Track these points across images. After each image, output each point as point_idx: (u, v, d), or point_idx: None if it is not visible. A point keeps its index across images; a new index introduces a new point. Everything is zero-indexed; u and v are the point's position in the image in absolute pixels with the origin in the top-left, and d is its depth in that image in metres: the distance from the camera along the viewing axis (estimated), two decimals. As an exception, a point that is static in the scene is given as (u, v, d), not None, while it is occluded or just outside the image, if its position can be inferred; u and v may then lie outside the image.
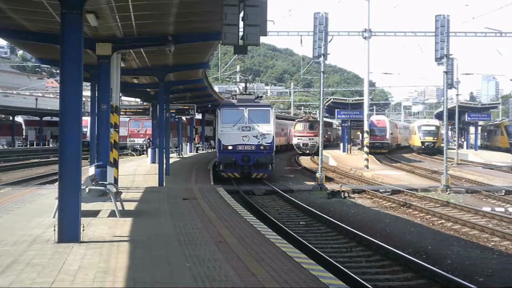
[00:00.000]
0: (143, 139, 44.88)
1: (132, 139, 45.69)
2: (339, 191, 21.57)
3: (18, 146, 59.30)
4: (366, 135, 34.63)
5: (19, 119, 65.02)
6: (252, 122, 24.83)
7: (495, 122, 67.92)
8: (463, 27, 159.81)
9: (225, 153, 24.83)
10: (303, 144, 51.05)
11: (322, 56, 25.84)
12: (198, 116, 50.51)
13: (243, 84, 32.88)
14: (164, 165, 20.95)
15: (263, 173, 25.09)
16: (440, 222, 16.00)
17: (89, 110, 31.94)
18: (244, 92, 29.68)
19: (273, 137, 25.24)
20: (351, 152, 49.24)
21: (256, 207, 17.64)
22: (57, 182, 9.22)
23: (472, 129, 63.08)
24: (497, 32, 38.64)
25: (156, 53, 18.34)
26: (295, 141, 52.42)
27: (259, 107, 25.89)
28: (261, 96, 28.78)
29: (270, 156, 25.01)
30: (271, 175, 25.98)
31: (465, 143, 63.17)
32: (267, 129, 24.92)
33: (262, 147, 24.72)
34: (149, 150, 32.57)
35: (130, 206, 13.30)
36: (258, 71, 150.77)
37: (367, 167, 32.60)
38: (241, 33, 11.07)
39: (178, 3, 12.28)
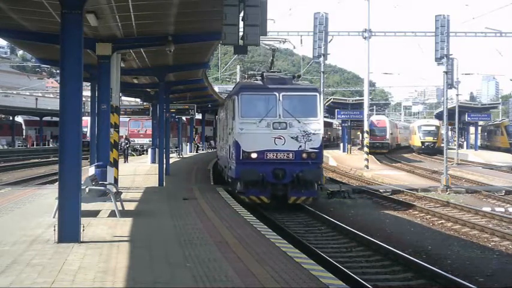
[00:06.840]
0: (123, 141, 32.58)
1: (132, 139, 45.67)
2: (339, 191, 21.57)
3: (18, 146, 59.30)
4: (366, 135, 34.63)
5: (19, 119, 65.05)
6: (290, 115, 16.34)
7: (495, 122, 67.96)
8: (463, 27, 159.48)
9: (246, 165, 16.17)
10: (303, 144, 50.86)
11: (322, 56, 25.81)
12: (198, 116, 50.57)
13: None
14: (164, 165, 20.96)
15: (307, 196, 16.38)
16: (440, 222, 16.00)
17: (89, 110, 31.90)
18: (271, 70, 19.47)
19: (322, 138, 16.85)
20: (351, 152, 49.30)
21: (256, 207, 17.60)
22: (57, 182, 9.22)
23: (472, 129, 63.19)
24: (497, 32, 38.61)
25: (156, 53, 18.34)
26: None
27: (300, 91, 16.99)
28: (300, 76, 19.46)
29: (318, 170, 16.65)
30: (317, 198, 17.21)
31: (465, 143, 63.26)
32: (314, 127, 16.40)
33: (305, 155, 16.24)
34: (149, 151, 32.05)
35: (130, 206, 13.29)
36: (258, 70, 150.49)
37: (367, 167, 32.60)
38: (241, 33, 11.09)
39: (178, 3, 12.29)
